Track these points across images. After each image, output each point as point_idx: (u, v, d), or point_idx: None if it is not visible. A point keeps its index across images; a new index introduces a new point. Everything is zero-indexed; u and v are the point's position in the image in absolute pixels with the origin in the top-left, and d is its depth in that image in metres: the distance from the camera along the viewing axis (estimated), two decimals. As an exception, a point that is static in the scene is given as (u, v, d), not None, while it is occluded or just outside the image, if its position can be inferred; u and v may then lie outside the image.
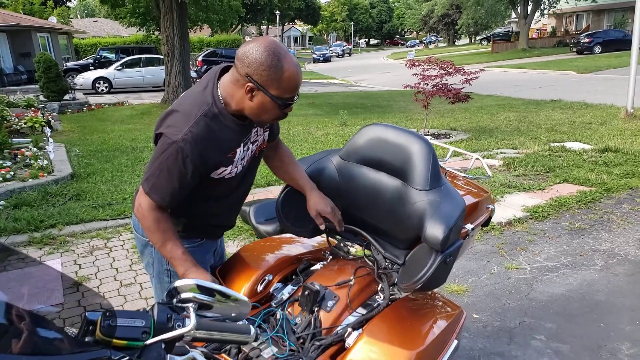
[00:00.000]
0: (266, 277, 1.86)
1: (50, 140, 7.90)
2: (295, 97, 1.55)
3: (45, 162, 6.56)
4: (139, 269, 3.77)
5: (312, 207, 1.86)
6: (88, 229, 4.57)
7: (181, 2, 12.81)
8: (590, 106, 11.41)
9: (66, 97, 14.33)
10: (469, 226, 1.80)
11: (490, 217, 2.04)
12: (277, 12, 41.49)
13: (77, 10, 70.65)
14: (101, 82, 19.32)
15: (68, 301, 3.31)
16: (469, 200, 1.88)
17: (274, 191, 5.45)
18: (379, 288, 1.84)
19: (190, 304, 0.97)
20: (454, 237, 1.59)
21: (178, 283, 0.97)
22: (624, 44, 29.50)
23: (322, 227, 1.89)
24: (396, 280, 1.77)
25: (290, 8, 45.26)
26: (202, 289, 0.97)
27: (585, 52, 29.52)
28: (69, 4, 40.83)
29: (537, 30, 44.44)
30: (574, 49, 30.61)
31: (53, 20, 27.58)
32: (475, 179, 2.14)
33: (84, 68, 21.91)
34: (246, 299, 1.05)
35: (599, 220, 4.50)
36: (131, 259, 3.95)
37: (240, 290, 1.82)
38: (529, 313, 3.02)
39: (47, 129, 9.01)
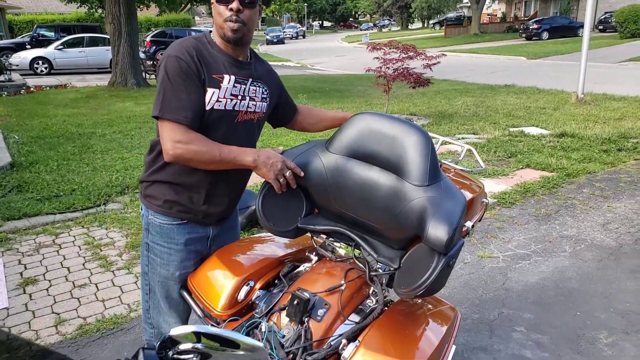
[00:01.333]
0: (247, 284, 1.67)
1: (-14, 125, 7.28)
2: None
3: (-19, 149, 6.03)
4: (93, 268, 3.48)
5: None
6: (33, 224, 4.20)
7: (128, -23, 12.10)
8: (543, 91, 11.69)
9: (1, 78, 13.34)
10: (469, 224, 1.67)
11: (484, 212, 1.93)
12: (229, -9, 40.26)
13: (12, -15, 66.29)
14: (40, 62, 18.06)
15: (14, 305, 3.02)
16: (467, 195, 1.75)
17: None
18: (370, 291, 1.69)
19: (190, 357, 0.77)
20: (457, 237, 1.45)
21: (173, 332, 0.77)
22: (569, 30, 30.69)
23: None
24: (392, 284, 1.63)
25: (243, -12, 44.05)
26: (204, 337, 0.77)
27: (533, 38, 30.38)
28: (2, -23, 38.02)
29: (488, 15, 45.39)
30: (523, 35, 31.45)
31: (-15, -5, 25.60)
32: (470, 172, 2.02)
33: (20, 47, 20.33)
34: (261, 345, 0.85)
35: (563, 206, 4.55)
36: (84, 257, 3.65)
37: (219, 300, 1.62)
38: (507, 304, 2.97)
39: (-19, 114, 8.29)
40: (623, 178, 5.27)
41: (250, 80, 1.70)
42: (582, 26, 28.94)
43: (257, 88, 1.73)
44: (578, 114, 8.72)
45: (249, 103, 1.70)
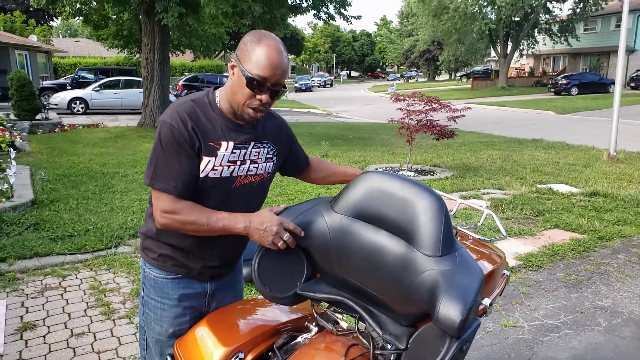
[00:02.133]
0: (236, 356, 1.50)
1: (13, 162, 7.41)
2: (269, 84, 1.47)
3: (5, 185, 6.08)
4: (94, 315, 3.34)
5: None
6: (42, 264, 4.13)
7: (163, 25, 12.56)
8: (572, 147, 11.41)
9: (38, 116, 13.81)
10: (487, 301, 1.48)
11: (505, 285, 1.73)
12: (262, 40, 41.66)
13: (59, 30, 70.10)
14: (77, 102, 18.77)
15: (9, 352, 2.88)
16: (485, 267, 1.57)
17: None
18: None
19: None
20: (472, 317, 1.27)
21: None
22: (599, 87, 30.49)
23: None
24: None
25: (275, 37, 45.58)
26: None
27: (562, 93, 30.21)
28: (51, 23, 40.28)
29: (516, 69, 45.59)
30: (552, 90, 31.32)
31: (33, 39, 27.02)
32: (490, 241, 1.83)
33: (61, 87, 21.33)
34: None
35: (595, 272, 4.25)
36: (87, 302, 3.52)
37: (204, 373, 1.45)
38: (533, 383, 2.69)
39: (11, 150, 8.49)
40: (661, 244, 4.94)
41: (253, 143, 1.60)
42: (612, 83, 28.83)
43: (261, 149, 1.63)
44: (610, 172, 8.40)
45: (249, 167, 1.60)
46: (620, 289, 3.94)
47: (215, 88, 1.64)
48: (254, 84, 1.45)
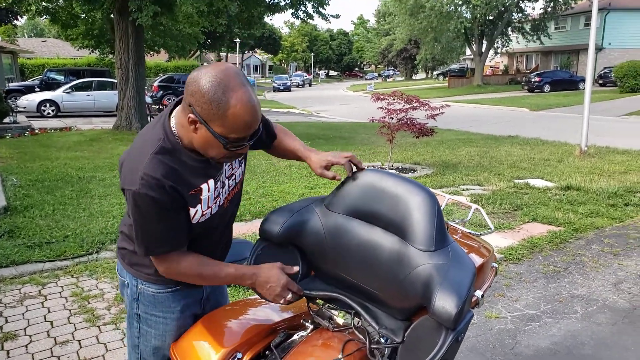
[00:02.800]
0: (234, 356, 1.51)
1: (-15, 168, 7.23)
2: (248, 140, 1.37)
3: (-23, 192, 5.93)
4: (78, 322, 3.29)
5: (317, 164, 1.63)
6: (20, 272, 4.04)
7: (137, 25, 12.37)
8: (546, 143, 11.67)
9: (6, 119, 13.43)
10: (479, 293, 1.53)
11: (494, 277, 1.78)
12: (237, 40, 41.41)
13: (24, 29, 68.30)
14: (47, 104, 18.29)
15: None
16: (476, 261, 1.62)
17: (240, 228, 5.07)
18: (370, 365, 1.52)
19: None
20: (466, 309, 1.31)
21: None
22: (571, 84, 31.26)
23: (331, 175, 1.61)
24: (395, 358, 1.47)
25: (251, 36, 45.34)
26: None
27: (535, 90, 30.85)
28: (15, 22, 39.16)
29: (491, 67, 46.33)
30: (525, 87, 31.97)
31: (-4, 38, 26.31)
32: (479, 235, 1.88)
33: (29, 89, 20.69)
34: None
35: (572, 263, 4.37)
36: (69, 310, 3.47)
37: (200, 374, 1.46)
38: (517, 372, 2.76)
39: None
40: (632, 234, 5.10)
41: (225, 164, 1.53)
42: (582, 80, 29.55)
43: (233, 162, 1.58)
44: (583, 166, 8.63)
45: (229, 183, 1.56)
46: (595, 277, 4.06)
47: (169, 112, 1.44)
48: (233, 147, 1.34)
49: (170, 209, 1.36)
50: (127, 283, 1.60)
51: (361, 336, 1.54)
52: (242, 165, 1.62)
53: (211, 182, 1.45)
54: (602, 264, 4.36)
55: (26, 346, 3.00)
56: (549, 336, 3.15)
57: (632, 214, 5.79)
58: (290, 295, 1.52)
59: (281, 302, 1.53)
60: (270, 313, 1.72)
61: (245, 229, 5.11)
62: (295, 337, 1.64)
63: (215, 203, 1.49)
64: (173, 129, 1.39)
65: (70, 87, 18.93)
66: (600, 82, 31.14)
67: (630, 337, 3.15)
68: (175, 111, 1.42)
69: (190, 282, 1.50)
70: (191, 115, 1.30)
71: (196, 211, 1.43)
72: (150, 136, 1.39)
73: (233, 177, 1.57)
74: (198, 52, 41.90)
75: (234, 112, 1.26)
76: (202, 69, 1.29)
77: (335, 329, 1.61)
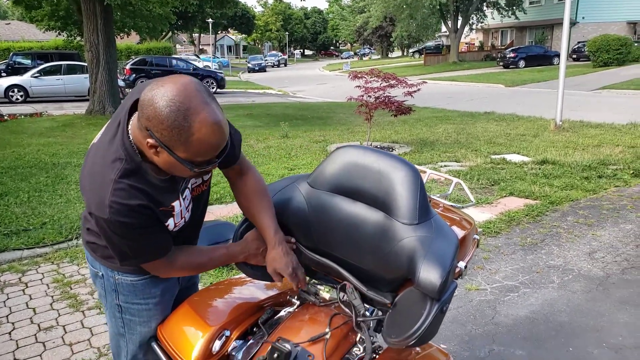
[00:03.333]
0: (222, 334, 1.53)
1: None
2: (215, 160, 1.28)
3: (-51, 181, 5.77)
4: (61, 308, 3.27)
5: (270, 263, 1.55)
6: (-1, 260, 3.97)
7: (106, 5, 12.00)
8: (522, 118, 11.84)
9: (-27, 107, 13.00)
10: (462, 264, 1.57)
11: (475, 249, 1.83)
12: (210, 20, 40.62)
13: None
14: (15, 90, 17.72)
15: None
16: (458, 233, 1.66)
17: (221, 210, 5.07)
18: (357, 339, 1.56)
19: None
20: (450, 280, 1.35)
21: None
22: (545, 59, 31.59)
23: (278, 283, 1.67)
24: (381, 329, 1.51)
25: (224, 16, 44.50)
26: None
27: (510, 66, 31.12)
28: (-24, 4, 37.57)
29: (466, 44, 46.51)
30: (501, 63, 32.20)
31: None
32: (461, 208, 1.92)
33: (-6, 75, 20.09)
34: None
35: (548, 235, 4.49)
36: (52, 296, 3.44)
37: (192, 352, 1.48)
38: (497, 340, 2.85)
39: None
40: (605, 205, 5.26)
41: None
42: (557, 55, 29.92)
43: None
44: (557, 140, 8.80)
45: (192, 181, 1.50)
46: (570, 248, 4.19)
47: (125, 123, 1.30)
48: (201, 169, 1.27)
49: (146, 227, 1.31)
50: (102, 275, 1.56)
51: (347, 310, 1.57)
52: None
53: (179, 197, 1.41)
54: (577, 235, 4.49)
55: (9, 333, 2.97)
56: (527, 305, 3.26)
57: (606, 186, 5.96)
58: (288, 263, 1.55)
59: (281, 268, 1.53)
60: (256, 291, 1.73)
61: (226, 211, 5.10)
62: (282, 313, 1.67)
63: (188, 212, 1.48)
64: (134, 146, 1.27)
65: (38, 72, 18.35)
66: (574, 56, 31.57)
67: (604, 303, 3.27)
68: (131, 124, 1.28)
69: (192, 274, 1.55)
70: (150, 140, 1.19)
71: (168, 224, 1.40)
72: (110, 156, 1.27)
73: (195, 183, 1.52)
74: (170, 34, 41.00)
75: (199, 137, 1.16)
76: (157, 87, 1.16)
77: (321, 304, 1.64)
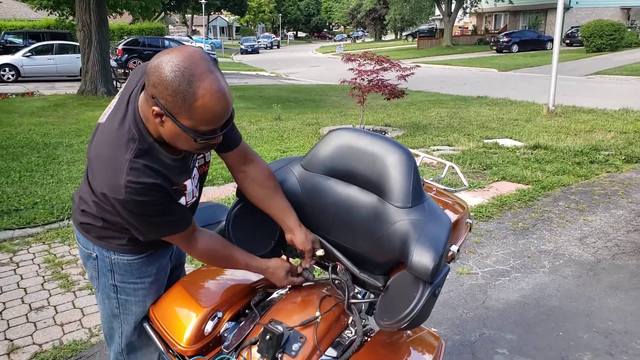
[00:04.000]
0: (215, 315, 1.52)
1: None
2: (219, 130, 1.27)
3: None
4: (52, 288, 3.26)
5: (300, 242, 1.57)
6: (-11, 240, 3.94)
7: (98, -16, 11.80)
8: (515, 103, 11.85)
9: (-36, 85, 12.81)
10: (454, 248, 1.57)
11: (468, 233, 1.83)
12: (203, 0, 40.03)
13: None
14: (7, 69, 17.46)
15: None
16: (451, 216, 1.65)
17: (213, 192, 5.04)
18: (349, 321, 1.56)
19: None
20: (443, 263, 1.35)
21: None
22: (538, 44, 31.52)
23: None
24: (373, 312, 1.51)
25: (217, -3, 43.88)
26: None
27: (504, 51, 31.05)
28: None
29: (460, 28, 46.26)
30: (494, 47, 32.11)
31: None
32: (455, 191, 1.92)
33: (-15, 54, 19.77)
34: None
35: (539, 220, 4.52)
36: (43, 276, 3.42)
37: (184, 333, 1.48)
38: (488, 324, 2.88)
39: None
40: (597, 191, 5.30)
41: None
42: (550, 40, 29.84)
43: None
44: (550, 125, 8.83)
45: (199, 161, 1.51)
46: (562, 233, 4.22)
47: (136, 102, 1.30)
48: (204, 139, 1.25)
49: (162, 203, 1.31)
50: (96, 255, 1.54)
51: (339, 292, 1.57)
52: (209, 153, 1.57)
53: (193, 176, 1.43)
54: (568, 220, 4.53)
55: (0, 313, 2.96)
56: (518, 290, 3.29)
57: (597, 171, 6.00)
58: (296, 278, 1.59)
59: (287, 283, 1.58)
60: (246, 273, 1.73)
61: (218, 193, 5.08)
62: (274, 295, 1.67)
63: (197, 190, 1.49)
64: (144, 126, 1.28)
65: (30, 51, 18.09)
66: (567, 41, 31.52)
67: (594, 288, 3.31)
68: (139, 102, 1.29)
69: (210, 263, 1.55)
70: (155, 108, 1.19)
71: (180, 202, 1.41)
72: (123, 137, 1.27)
73: (201, 156, 1.51)
74: (163, 14, 40.39)
75: (202, 103, 1.16)
76: (164, 56, 1.17)
77: (312, 284, 1.64)
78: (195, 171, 1.47)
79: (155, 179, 1.27)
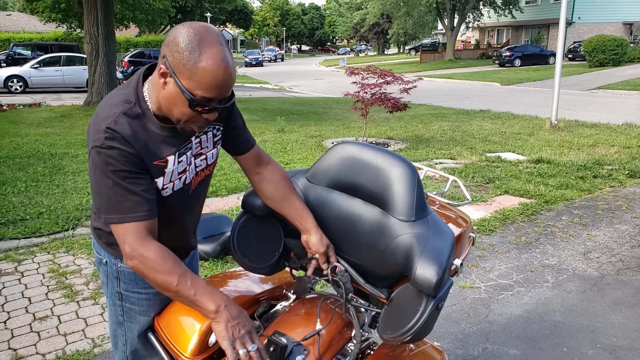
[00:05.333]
0: None
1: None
2: (215, 104, 1.26)
3: (-56, 170, 5.75)
4: (56, 298, 3.27)
5: (314, 246, 1.54)
6: (-6, 250, 3.97)
7: (106, -3, 11.96)
8: (517, 117, 11.88)
9: (-28, 96, 12.96)
10: (458, 261, 1.58)
11: (471, 247, 1.84)
12: (208, 14, 40.46)
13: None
14: (15, 80, 17.69)
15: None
16: (454, 230, 1.67)
17: (217, 203, 5.06)
18: (352, 334, 1.57)
19: None
20: (446, 277, 1.36)
21: None
22: (540, 58, 31.66)
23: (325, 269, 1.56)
24: (376, 325, 1.52)
25: (222, 11, 44.36)
26: None
27: (506, 65, 31.17)
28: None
29: (462, 42, 46.54)
30: (497, 62, 32.24)
31: (-42, 12, 25.11)
32: (458, 205, 1.94)
33: (-6, 65, 20.05)
34: None
35: (543, 234, 4.52)
36: (47, 286, 3.44)
37: (188, 343, 1.49)
38: (491, 338, 2.87)
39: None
40: (600, 205, 5.30)
41: (193, 139, 1.43)
42: (552, 54, 29.98)
43: (205, 135, 1.47)
44: (553, 140, 8.84)
45: (198, 163, 1.48)
46: (565, 247, 4.22)
47: (143, 76, 1.36)
48: (199, 106, 1.24)
49: (131, 170, 1.27)
50: (106, 262, 1.56)
51: (338, 295, 1.57)
52: (216, 148, 1.54)
53: (175, 155, 1.38)
54: (571, 234, 4.52)
55: (5, 322, 2.98)
56: (521, 304, 3.28)
57: (601, 186, 6.00)
58: (252, 347, 1.25)
59: (240, 351, 1.23)
60: (252, 284, 1.74)
61: (221, 204, 5.10)
62: (278, 307, 1.68)
63: (179, 179, 1.43)
64: (145, 96, 1.32)
65: (38, 63, 18.33)
66: (570, 56, 31.65)
67: (598, 304, 3.30)
68: (149, 79, 1.35)
69: (152, 279, 1.31)
70: (162, 67, 1.24)
71: (157, 182, 1.36)
72: (120, 97, 1.32)
73: (203, 158, 1.49)
74: (168, 27, 40.78)
75: (205, 66, 1.18)
76: (184, 24, 1.24)
77: (315, 297, 1.65)
78: (185, 158, 1.41)
79: (135, 139, 1.27)
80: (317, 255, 1.55)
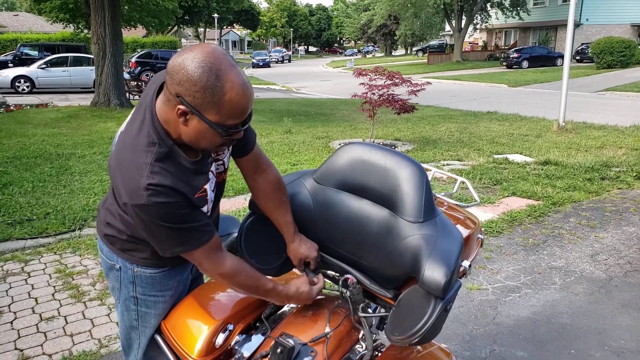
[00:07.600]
0: (226, 328, 1.53)
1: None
2: (243, 125, 1.28)
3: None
4: (63, 299, 3.28)
5: (297, 253, 1.61)
6: (1, 250, 3.99)
7: (113, -2, 12.01)
8: (525, 119, 11.82)
9: (-20, 96, 13.06)
10: (466, 263, 1.57)
11: (480, 249, 1.83)
12: (216, 15, 40.60)
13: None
14: (22, 80, 17.82)
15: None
16: (463, 232, 1.65)
17: (224, 204, 5.06)
18: (360, 335, 1.56)
19: None
20: (454, 279, 1.35)
21: None
22: (548, 60, 31.51)
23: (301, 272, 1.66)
24: (384, 327, 1.51)
25: (230, 11, 44.49)
26: None
27: (514, 67, 31.05)
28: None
29: (470, 43, 46.38)
30: (504, 63, 32.12)
31: (-33, 13, 25.30)
32: (466, 207, 1.92)
33: (2, 65, 20.10)
34: None
35: (550, 236, 4.49)
36: (54, 286, 3.45)
37: (195, 345, 1.48)
38: (498, 340, 2.85)
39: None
40: (608, 207, 5.25)
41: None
42: (560, 56, 29.82)
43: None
44: (560, 141, 8.79)
45: (216, 167, 1.48)
46: (573, 249, 4.19)
47: (152, 108, 1.30)
48: (230, 134, 1.26)
49: (186, 207, 1.28)
50: (120, 267, 1.54)
51: (349, 306, 1.57)
52: (229, 151, 1.54)
53: (210, 182, 1.42)
54: (579, 236, 4.49)
55: (11, 322, 2.98)
56: (528, 306, 3.26)
57: (608, 187, 5.95)
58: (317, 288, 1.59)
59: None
60: None
61: (229, 205, 5.10)
62: (285, 308, 1.67)
63: (213, 192, 1.47)
64: (163, 129, 1.28)
65: (45, 63, 18.46)
66: (578, 58, 31.47)
67: (606, 306, 3.27)
68: (157, 106, 1.29)
69: (237, 288, 1.47)
70: (181, 107, 1.19)
71: (202, 210, 1.40)
72: (142, 140, 1.26)
73: (220, 162, 1.50)
74: (176, 28, 40.93)
75: (231, 97, 1.17)
76: (185, 54, 1.18)
77: (323, 299, 1.64)
78: (211, 176, 1.44)
79: (177, 183, 1.25)
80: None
